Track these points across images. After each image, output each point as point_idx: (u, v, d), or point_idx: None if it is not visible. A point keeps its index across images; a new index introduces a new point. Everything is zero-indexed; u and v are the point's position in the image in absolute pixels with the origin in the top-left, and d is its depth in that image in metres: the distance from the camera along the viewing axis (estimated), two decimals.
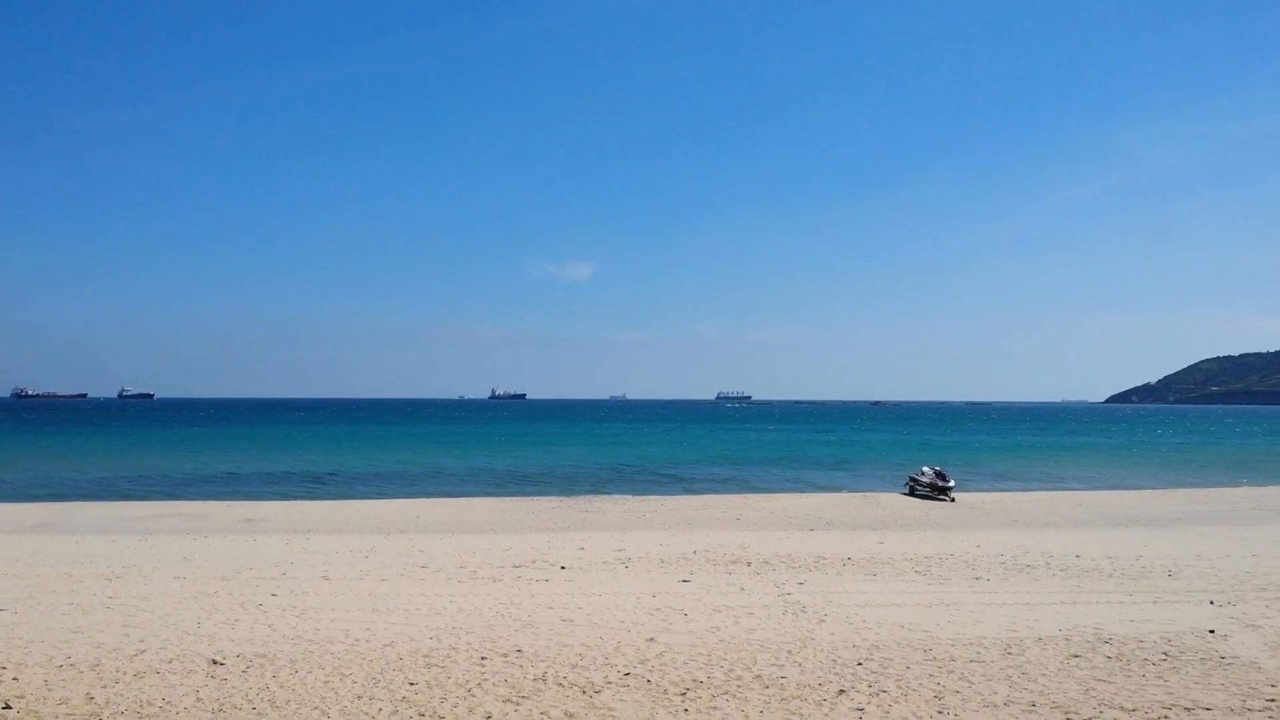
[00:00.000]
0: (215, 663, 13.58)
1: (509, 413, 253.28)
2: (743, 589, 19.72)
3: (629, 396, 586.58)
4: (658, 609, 17.48)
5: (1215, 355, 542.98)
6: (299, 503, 42.04)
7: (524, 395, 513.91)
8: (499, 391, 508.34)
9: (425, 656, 13.92)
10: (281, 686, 12.39)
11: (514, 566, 22.81)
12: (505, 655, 13.99)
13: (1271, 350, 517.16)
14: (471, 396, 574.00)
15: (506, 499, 43.89)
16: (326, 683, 12.55)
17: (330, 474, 59.09)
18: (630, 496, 45.10)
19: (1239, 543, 28.81)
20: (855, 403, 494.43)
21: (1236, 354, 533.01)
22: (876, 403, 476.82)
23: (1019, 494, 48.70)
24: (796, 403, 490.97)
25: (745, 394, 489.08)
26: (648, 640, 14.90)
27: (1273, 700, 11.50)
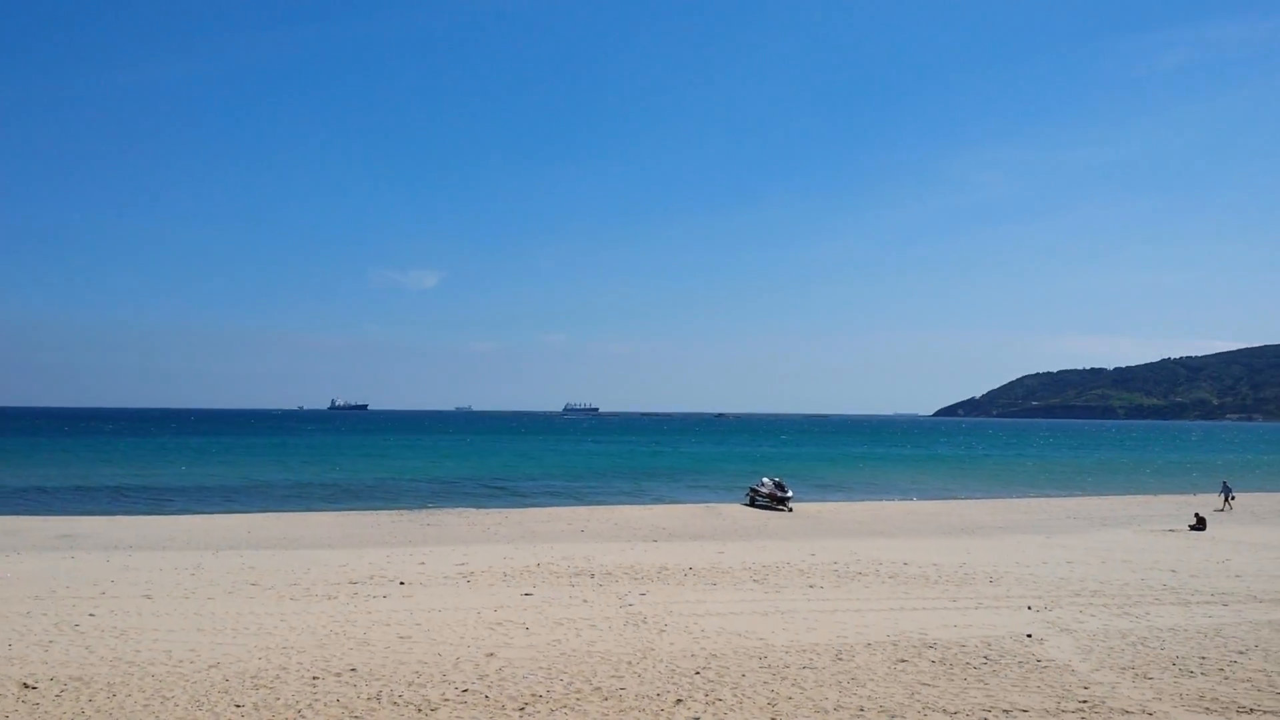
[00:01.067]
0: (27, 686, 12.73)
1: (349, 424, 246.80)
2: (585, 601, 19.71)
3: (475, 408, 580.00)
4: (499, 623, 17.29)
5: (1035, 371, 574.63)
6: (120, 518, 39.88)
7: (366, 406, 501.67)
8: (339, 402, 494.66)
9: (253, 678, 13.37)
10: (98, 711, 11.70)
11: (350, 583, 22.20)
12: (338, 674, 13.57)
13: (1087, 367, 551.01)
14: (311, 407, 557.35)
15: (345, 513, 42.72)
16: (146, 706, 11.91)
17: (154, 488, 56.30)
18: (474, 510, 44.56)
19: (1055, 550, 30.43)
20: (699, 415, 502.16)
21: (1055, 370, 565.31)
22: (720, 415, 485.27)
23: (853, 504, 50.31)
24: (643, 414, 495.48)
25: (593, 405, 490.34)
26: (487, 655, 14.72)
27: (1085, 702, 12.15)
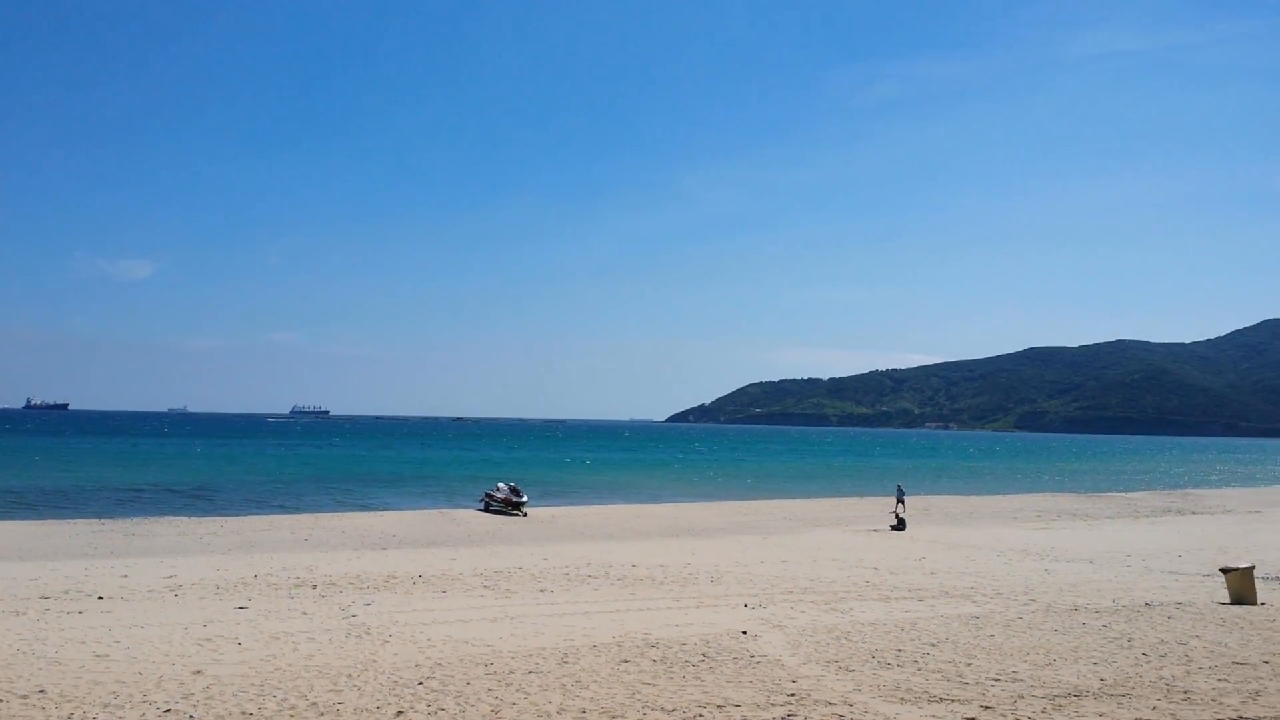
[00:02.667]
0: None
1: (46, 425, 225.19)
2: (305, 613, 18.90)
3: (192, 409, 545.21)
4: (208, 639, 16.27)
5: (760, 380, 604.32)
6: None
7: (66, 405, 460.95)
8: (35, 401, 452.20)
9: None
10: None
11: (41, 598, 20.28)
12: (25, 697, 12.33)
13: (805, 377, 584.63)
14: (3, 406, 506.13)
15: (36, 522, 39.01)
16: None
17: None
18: (186, 518, 41.81)
19: (772, 550, 32.03)
20: (437, 419, 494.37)
21: (777, 379, 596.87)
22: (458, 419, 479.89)
23: (586, 507, 51.01)
24: (377, 418, 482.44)
25: (323, 408, 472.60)
26: (194, 673, 13.81)
27: (793, 695, 12.80)
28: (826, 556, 30.36)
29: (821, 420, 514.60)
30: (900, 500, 49.82)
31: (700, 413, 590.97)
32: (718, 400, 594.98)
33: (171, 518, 41.63)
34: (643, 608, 19.87)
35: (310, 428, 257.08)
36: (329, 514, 44.77)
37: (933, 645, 16.09)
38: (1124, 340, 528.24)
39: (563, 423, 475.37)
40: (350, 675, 13.73)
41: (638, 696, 12.63)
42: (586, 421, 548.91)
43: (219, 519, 41.44)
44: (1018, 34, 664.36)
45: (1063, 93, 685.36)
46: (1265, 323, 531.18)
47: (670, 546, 32.62)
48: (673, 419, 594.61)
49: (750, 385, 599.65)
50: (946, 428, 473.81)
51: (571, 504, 53.51)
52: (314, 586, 22.42)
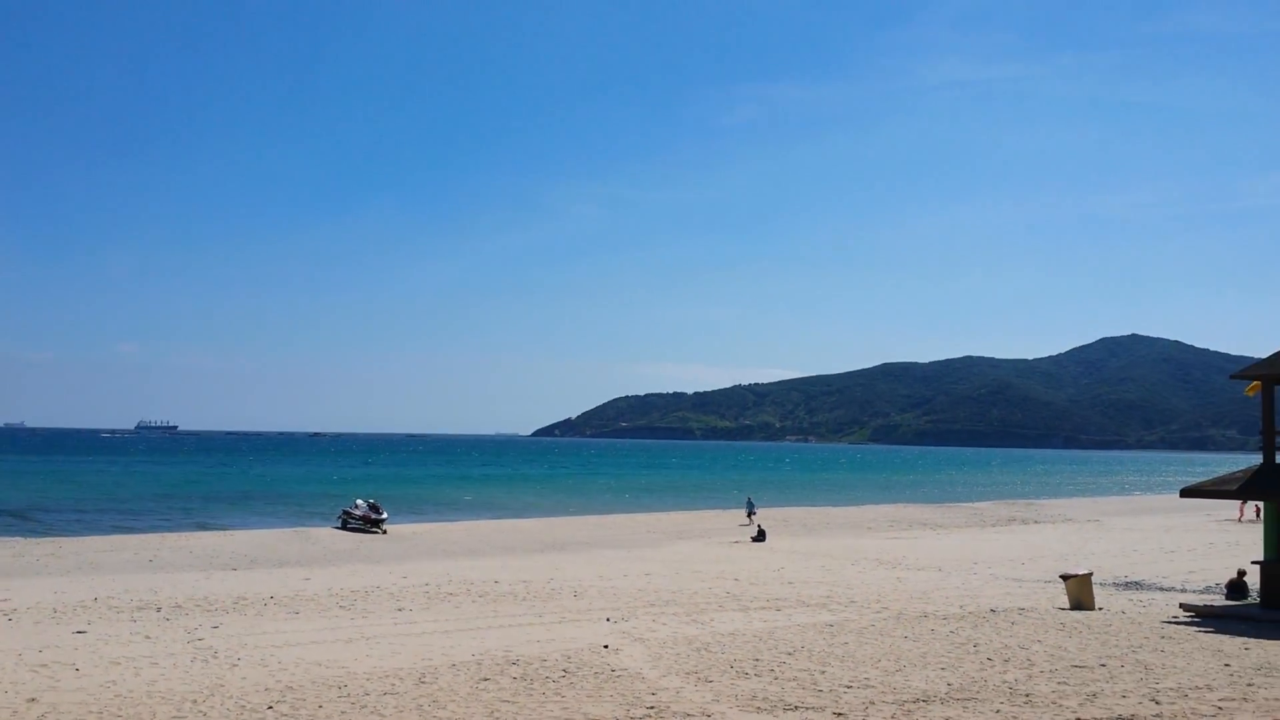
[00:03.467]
0: None
1: None
2: (148, 637, 18.07)
3: (29, 424, 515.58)
4: (44, 665, 15.39)
5: (626, 394, 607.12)
6: None
7: None
8: None
9: None
10: None
11: None
12: None
13: (670, 391, 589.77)
14: None
15: None
16: None
17: None
18: (20, 539, 39.50)
19: (635, 563, 32.16)
20: (294, 434, 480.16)
21: (643, 394, 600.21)
22: (316, 434, 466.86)
23: (449, 523, 50.30)
24: (229, 433, 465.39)
25: (171, 423, 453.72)
26: (29, 701, 13.04)
27: (652, 708, 12.85)
28: (689, 569, 30.65)
29: (686, 433, 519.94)
30: (750, 513, 50.67)
31: (566, 427, 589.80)
32: (584, 414, 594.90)
33: (4, 539, 39.26)
34: (504, 624, 19.68)
35: (155, 444, 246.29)
36: (176, 534, 42.95)
37: (789, 654, 16.40)
38: (972, 356, 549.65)
39: (425, 438, 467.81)
40: (195, 701, 13.18)
41: (496, 715, 12.49)
42: (450, 436, 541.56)
43: (58, 540, 39.30)
44: (873, 62, 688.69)
45: (914, 120, 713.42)
46: (1102, 340, 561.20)
47: (534, 562, 32.43)
48: (538, 433, 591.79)
49: (616, 399, 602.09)
50: (806, 440, 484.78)
51: (433, 520, 52.68)
52: (158, 609, 21.46)
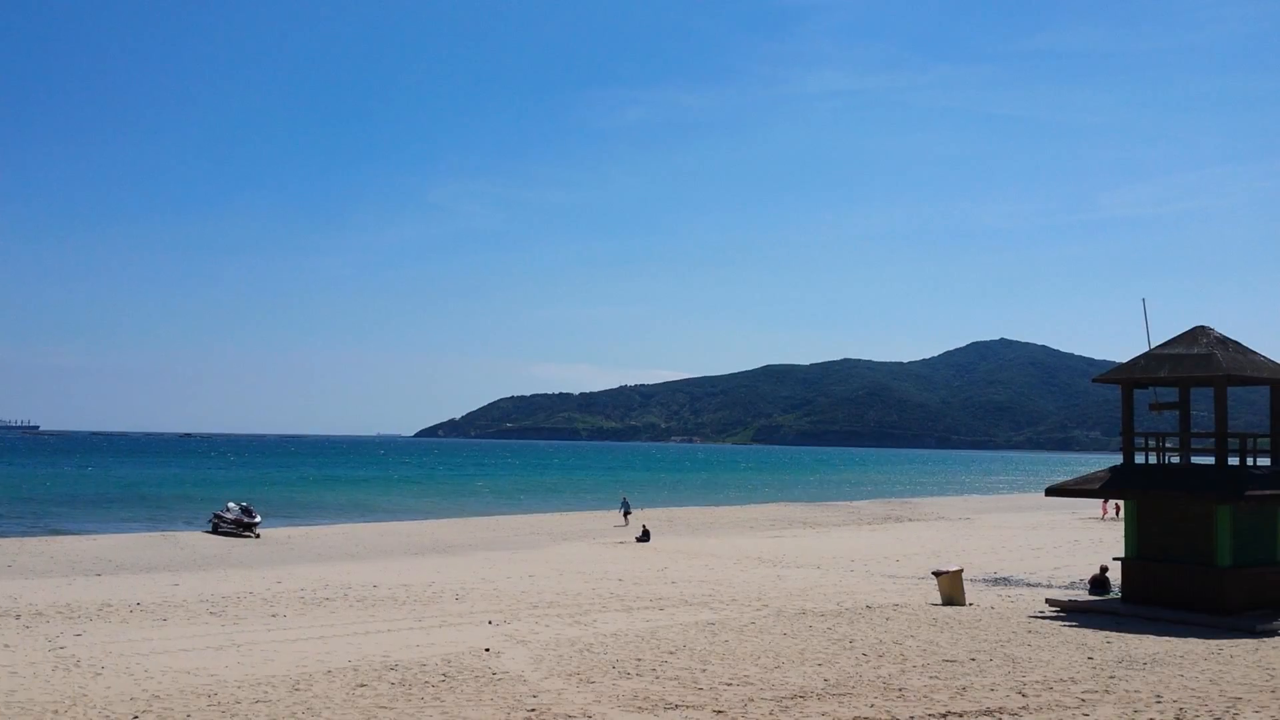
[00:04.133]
0: None
1: None
2: (6, 645, 17.16)
3: None
4: None
5: (511, 395, 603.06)
6: None
7: None
8: None
9: None
10: None
11: None
12: None
13: (556, 392, 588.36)
14: None
15: None
16: None
17: None
18: None
19: (519, 565, 31.93)
20: (163, 434, 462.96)
21: (528, 394, 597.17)
22: (186, 435, 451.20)
23: (326, 527, 49.14)
24: (94, 433, 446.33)
25: (32, 422, 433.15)
26: None
27: (533, 710, 12.73)
28: (573, 570, 30.56)
29: (573, 434, 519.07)
30: (626, 513, 50.71)
31: (450, 427, 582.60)
32: (468, 415, 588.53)
33: None
34: (383, 629, 19.27)
35: (13, 444, 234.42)
36: (35, 538, 40.94)
37: (671, 653, 16.46)
38: (850, 359, 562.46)
39: (301, 439, 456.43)
40: (57, 711, 12.56)
41: None
42: (327, 437, 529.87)
43: None
44: (757, 70, 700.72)
45: (796, 127, 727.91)
46: (973, 344, 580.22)
47: (415, 565, 31.89)
48: (421, 434, 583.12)
49: (502, 400, 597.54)
50: (691, 441, 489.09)
51: (309, 524, 51.37)
52: (17, 617, 20.41)
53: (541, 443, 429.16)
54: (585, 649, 16.99)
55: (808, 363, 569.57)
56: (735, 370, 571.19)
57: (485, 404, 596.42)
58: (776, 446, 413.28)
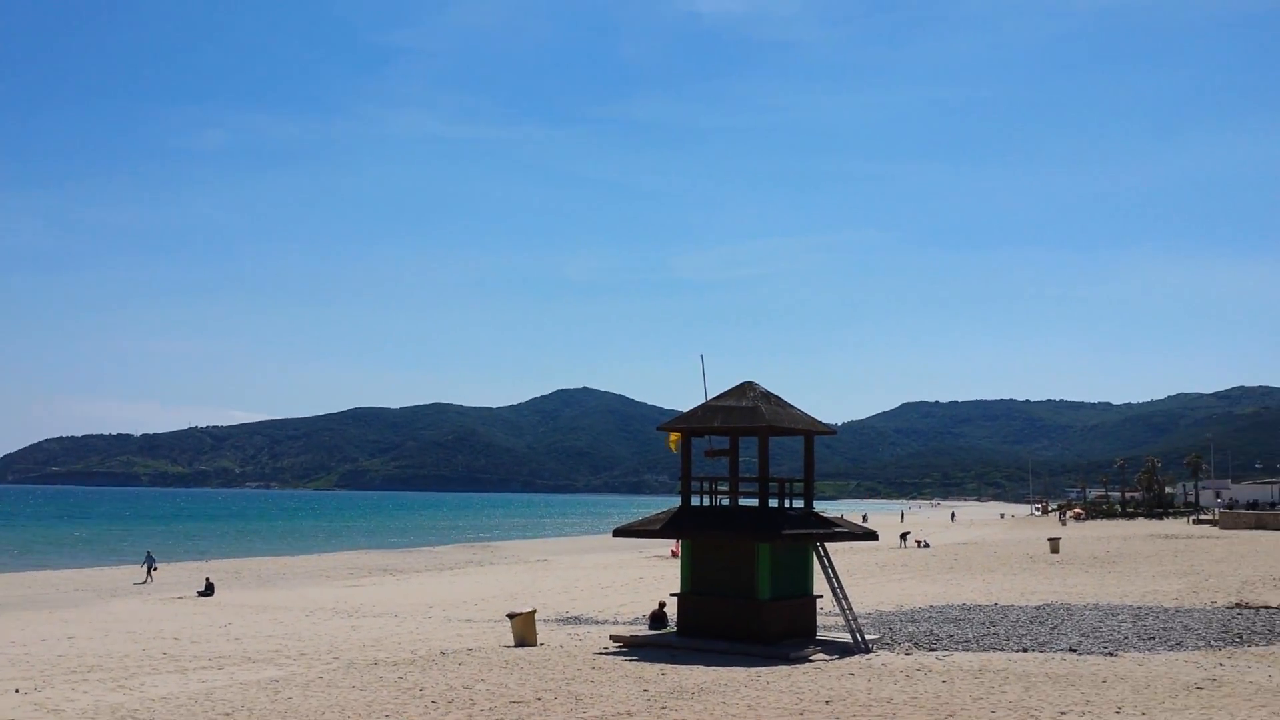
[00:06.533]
0: None
1: None
2: None
3: None
4: None
5: (59, 435, 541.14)
6: None
7: None
8: None
9: None
10: None
11: None
12: None
13: (114, 433, 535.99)
14: None
15: None
16: None
17: None
18: None
19: (57, 625, 28.61)
20: None
21: (80, 435, 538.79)
22: None
23: None
24: None
25: None
26: None
27: None
28: (122, 629, 27.82)
29: (132, 480, 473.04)
30: (151, 568, 46.42)
31: None
32: (6, 457, 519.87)
33: None
34: None
35: None
36: None
37: (227, 715, 15.40)
38: (441, 403, 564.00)
39: None
40: None
41: None
42: None
43: None
44: (350, 105, 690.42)
45: (386, 165, 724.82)
46: (559, 391, 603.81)
47: None
48: None
49: (47, 440, 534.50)
50: (269, 487, 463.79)
51: None
52: None
53: (93, 489, 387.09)
54: (129, 715, 15.48)
55: (397, 406, 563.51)
56: (320, 412, 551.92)
57: (26, 445, 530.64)
58: (362, 492, 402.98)
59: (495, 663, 20.30)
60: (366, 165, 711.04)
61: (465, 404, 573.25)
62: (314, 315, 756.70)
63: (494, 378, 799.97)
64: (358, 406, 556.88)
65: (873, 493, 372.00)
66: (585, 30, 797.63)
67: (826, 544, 23.27)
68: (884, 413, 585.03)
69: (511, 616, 23.90)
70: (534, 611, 24.39)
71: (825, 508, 43.70)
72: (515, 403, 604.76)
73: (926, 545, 65.69)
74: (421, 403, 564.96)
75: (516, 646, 22.80)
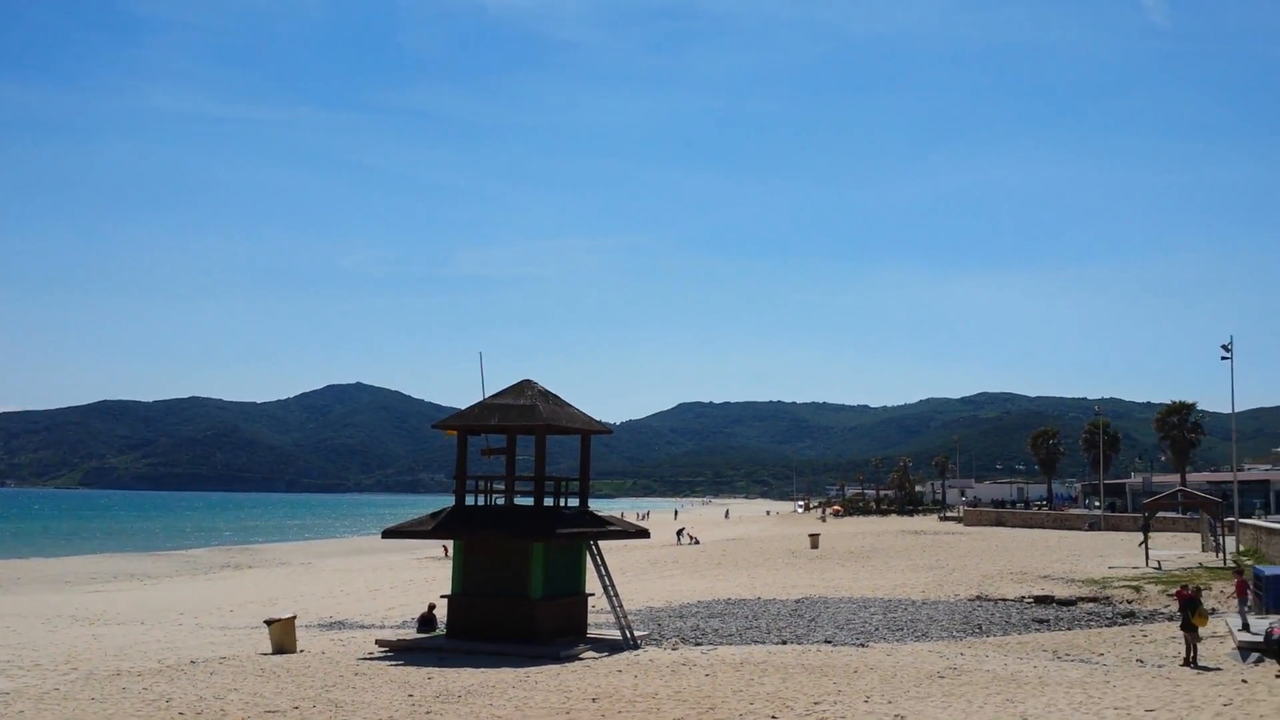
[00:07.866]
0: None
1: None
2: None
3: None
4: None
5: None
6: None
7: None
8: None
9: None
10: None
11: None
12: None
13: None
14: None
15: None
16: None
17: None
18: None
19: None
20: None
21: None
22: None
23: None
24: None
25: None
26: None
27: None
28: None
29: None
30: None
31: None
32: None
33: None
34: None
35: None
36: None
37: None
38: (199, 398, 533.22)
39: None
40: None
41: None
42: None
43: None
44: (101, 75, 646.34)
45: (143, 143, 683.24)
46: (330, 387, 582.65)
47: None
48: None
49: None
50: (3, 485, 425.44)
51: None
52: None
53: None
54: None
55: (150, 399, 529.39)
56: (63, 405, 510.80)
57: None
58: (109, 491, 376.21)
59: (250, 671, 19.31)
60: (118, 141, 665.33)
61: (226, 398, 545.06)
62: (56, 300, 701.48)
63: (259, 371, 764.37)
64: (105, 399, 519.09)
65: (649, 491, 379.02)
66: (362, 13, 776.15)
67: (600, 542, 23.46)
68: (661, 412, 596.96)
69: (269, 623, 22.82)
70: (294, 617, 23.42)
71: (603, 506, 44.33)
72: (283, 398, 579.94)
73: (697, 542, 67.47)
74: (177, 396, 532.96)
75: (274, 654, 21.78)
